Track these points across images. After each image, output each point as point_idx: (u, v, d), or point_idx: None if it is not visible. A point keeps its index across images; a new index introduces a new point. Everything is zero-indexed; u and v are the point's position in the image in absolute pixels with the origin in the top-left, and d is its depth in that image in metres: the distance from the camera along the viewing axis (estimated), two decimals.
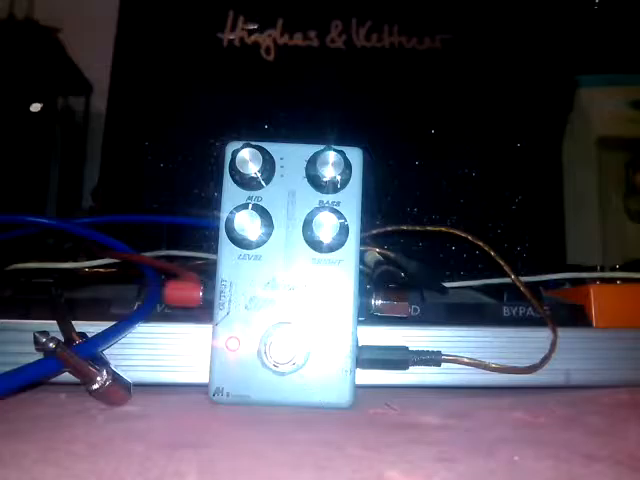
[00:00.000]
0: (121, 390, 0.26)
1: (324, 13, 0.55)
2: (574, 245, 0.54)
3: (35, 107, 0.82)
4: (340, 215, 0.28)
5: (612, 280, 0.37)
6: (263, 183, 0.29)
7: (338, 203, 0.29)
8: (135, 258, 0.36)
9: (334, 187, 0.29)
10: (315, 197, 0.29)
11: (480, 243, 0.34)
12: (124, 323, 0.28)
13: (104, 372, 0.25)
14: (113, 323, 0.28)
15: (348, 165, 0.28)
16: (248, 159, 0.28)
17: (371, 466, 0.20)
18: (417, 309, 0.33)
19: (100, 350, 0.27)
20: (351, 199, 0.29)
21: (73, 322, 0.28)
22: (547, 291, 0.38)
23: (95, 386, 0.25)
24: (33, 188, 0.79)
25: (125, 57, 0.57)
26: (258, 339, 0.27)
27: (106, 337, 0.27)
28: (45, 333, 0.24)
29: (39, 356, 0.25)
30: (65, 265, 0.39)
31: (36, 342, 0.24)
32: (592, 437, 0.24)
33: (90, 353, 0.26)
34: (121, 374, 0.26)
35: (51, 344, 0.24)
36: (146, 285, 0.33)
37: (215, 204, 0.29)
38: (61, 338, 0.26)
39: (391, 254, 0.36)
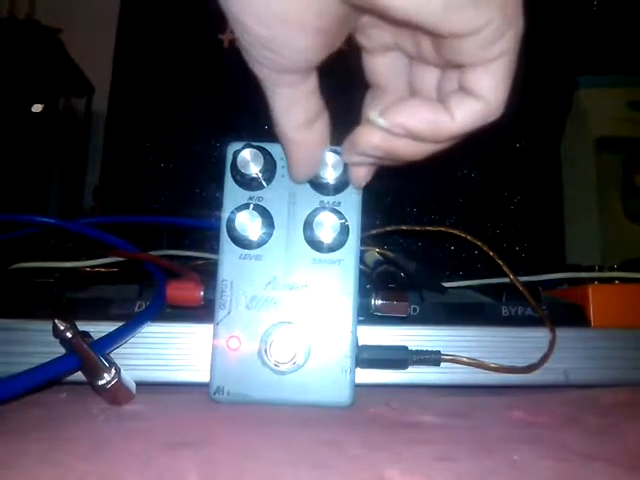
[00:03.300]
0: (126, 390, 0.26)
1: None
2: (573, 245, 0.54)
3: (37, 108, 0.82)
4: (340, 215, 0.28)
5: (610, 280, 0.37)
6: (264, 183, 0.29)
7: (339, 203, 0.29)
8: (142, 256, 0.36)
9: (334, 188, 0.29)
10: (316, 197, 0.29)
11: (479, 243, 0.34)
12: (136, 321, 0.28)
13: (112, 370, 0.25)
14: (114, 323, 0.28)
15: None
16: (249, 159, 0.28)
17: (371, 465, 0.20)
18: (416, 309, 0.33)
19: (113, 348, 0.27)
20: (351, 199, 0.29)
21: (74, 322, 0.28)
22: (545, 291, 0.38)
23: (102, 382, 0.25)
24: (35, 188, 0.79)
25: (126, 58, 0.57)
26: (259, 338, 0.28)
27: (120, 335, 0.27)
28: (64, 322, 0.25)
29: (42, 356, 0.25)
30: (67, 264, 0.39)
31: (54, 329, 0.25)
32: (590, 436, 0.24)
33: (104, 349, 0.26)
34: (125, 374, 0.26)
35: (68, 333, 0.25)
36: (150, 284, 0.33)
37: (216, 204, 0.30)
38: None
39: (391, 254, 0.36)
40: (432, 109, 0.23)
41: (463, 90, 0.22)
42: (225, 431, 0.25)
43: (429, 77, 0.25)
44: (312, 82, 0.24)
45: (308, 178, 0.28)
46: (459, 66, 0.22)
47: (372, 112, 0.24)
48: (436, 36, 0.21)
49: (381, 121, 0.24)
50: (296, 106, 0.24)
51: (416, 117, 0.23)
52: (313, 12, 0.20)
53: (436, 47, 0.22)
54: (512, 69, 0.22)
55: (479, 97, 0.22)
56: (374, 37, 0.25)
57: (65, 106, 0.91)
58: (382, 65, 0.26)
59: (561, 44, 0.55)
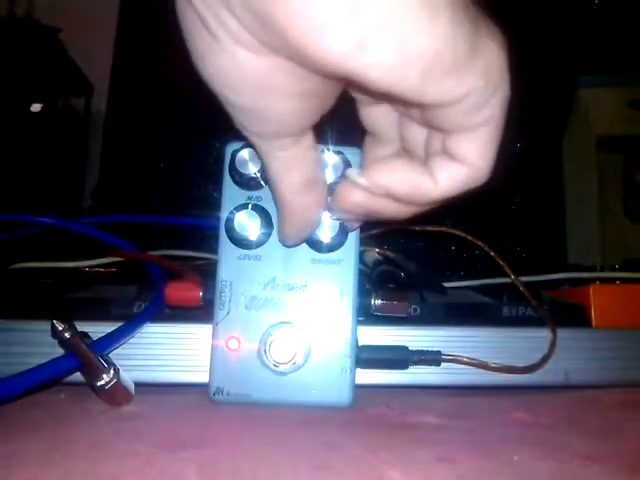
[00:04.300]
0: (125, 390, 0.26)
1: None
2: (574, 245, 0.54)
3: (35, 107, 0.82)
4: None
5: (612, 280, 0.37)
6: (263, 183, 0.29)
7: None
8: (142, 257, 0.36)
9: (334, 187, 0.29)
10: None
11: (480, 243, 0.34)
12: (135, 322, 0.28)
13: (111, 370, 0.25)
14: (113, 323, 0.28)
15: (348, 166, 0.28)
16: (248, 159, 0.28)
17: (372, 467, 0.20)
18: (417, 309, 0.33)
19: (112, 349, 0.27)
20: None
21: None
22: (547, 291, 0.38)
23: (101, 382, 0.25)
24: (34, 188, 0.79)
25: (125, 57, 0.57)
26: (258, 339, 0.28)
27: (119, 336, 0.27)
28: (63, 323, 0.25)
29: (41, 357, 0.25)
30: (66, 265, 0.39)
31: (53, 330, 0.25)
32: (591, 437, 0.24)
33: (103, 350, 0.26)
34: (124, 375, 0.26)
35: (67, 333, 0.25)
36: (149, 284, 0.33)
37: (215, 204, 0.29)
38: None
39: (391, 254, 0.36)
40: (414, 171, 0.22)
41: (447, 153, 0.21)
42: (225, 432, 0.25)
43: (418, 133, 0.23)
44: (307, 142, 0.22)
45: (300, 242, 0.27)
46: (443, 131, 0.21)
47: (352, 170, 0.24)
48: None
49: (361, 180, 0.23)
50: (292, 169, 0.23)
51: (397, 179, 0.22)
52: (294, 79, 0.19)
53: (420, 111, 0.21)
54: (499, 133, 0.21)
55: (464, 162, 0.21)
56: (363, 95, 0.24)
57: (64, 106, 0.91)
58: (374, 116, 0.25)
59: (562, 44, 0.54)
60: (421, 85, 0.18)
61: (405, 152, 0.25)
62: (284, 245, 0.28)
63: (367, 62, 0.17)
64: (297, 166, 0.23)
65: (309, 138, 0.22)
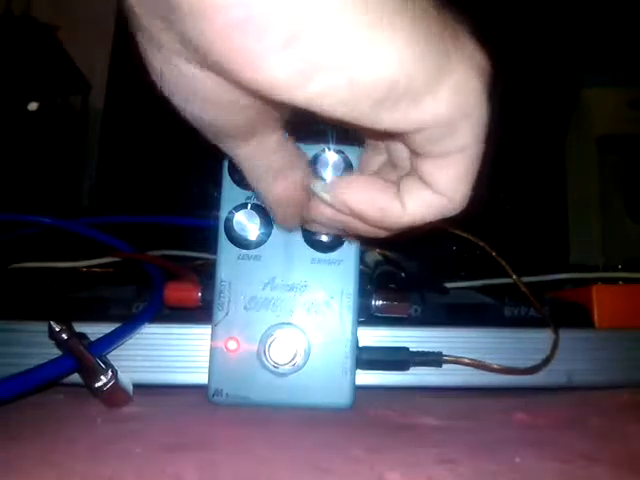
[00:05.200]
0: (123, 391, 0.26)
1: None
2: (576, 245, 0.54)
3: (32, 106, 0.81)
4: None
5: (614, 280, 0.37)
6: None
7: None
8: (140, 257, 0.36)
9: None
10: None
11: (481, 243, 0.34)
12: (134, 323, 0.28)
13: (109, 372, 0.25)
14: (111, 324, 0.28)
15: (348, 165, 0.28)
16: None
17: (372, 468, 0.20)
18: (418, 309, 0.33)
19: (110, 350, 0.27)
20: None
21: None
22: (549, 291, 0.38)
23: (99, 383, 0.25)
24: (32, 187, 0.79)
25: (123, 55, 0.57)
26: (257, 340, 0.27)
27: (117, 336, 0.27)
28: (60, 324, 0.25)
29: (40, 357, 0.25)
30: (64, 264, 0.39)
31: (50, 331, 0.25)
32: (593, 438, 0.24)
33: (101, 351, 0.26)
34: (123, 376, 0.26)
35: (64, 334, 0.24)
36: (148, 284, 0.33)
37: (215, 203, 0.29)
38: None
39: (391, 254, 0.36)
40: (384, 193, 0.21)
41: (419, 177, 0.20)
42: (224, 433, 0.25)
43: (399, 149, 0.22)
44: (268, 138, 0.21)
45: (291, 228, 0.26)
46: (415, 153, 0.20)
47: (318, 183, 0.22)
48: None
49: (325, 195, 0.22)
50: (252, 161, 0.22)
51: (362, 199, 0.21)
52: (240, 94, 0.18)
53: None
54: (476, 163, 0.19)
55: (435, 190, 0.19)
56: None
57: (61, 104, 0.91)
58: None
59: (564, 44, 0.54)
60: (376, 113, 0.17)
61: (392, 165, 0.24)
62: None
63: (314, 92, 0.16)
64: (257, 159, 0.22)
65: (270, 136, 0.21)
